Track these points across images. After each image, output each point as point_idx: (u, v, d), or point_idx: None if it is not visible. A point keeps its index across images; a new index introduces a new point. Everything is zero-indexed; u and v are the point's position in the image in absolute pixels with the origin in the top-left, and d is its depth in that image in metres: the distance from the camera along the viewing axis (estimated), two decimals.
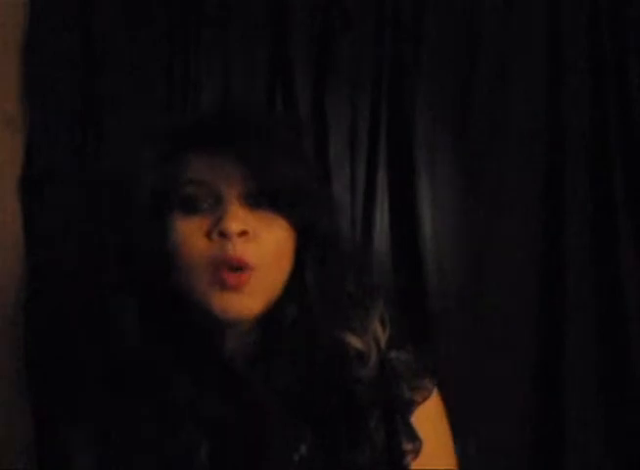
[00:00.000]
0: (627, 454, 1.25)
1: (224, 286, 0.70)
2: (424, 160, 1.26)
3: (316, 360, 0.76)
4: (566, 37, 1.27)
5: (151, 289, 0.76)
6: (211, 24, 1.24)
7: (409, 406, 0.80)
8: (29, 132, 1.22)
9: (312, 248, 0.77)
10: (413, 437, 0.78)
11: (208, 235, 0.72)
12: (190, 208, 0.73)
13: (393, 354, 0.81)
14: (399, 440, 0.78)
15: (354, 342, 0.78)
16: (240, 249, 0.70)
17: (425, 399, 0.81)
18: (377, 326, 0.80)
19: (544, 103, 1.28)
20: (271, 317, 0.76)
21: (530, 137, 1.28)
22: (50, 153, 1.22)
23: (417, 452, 0.78)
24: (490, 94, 1.28)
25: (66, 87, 1.22)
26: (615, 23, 1.26)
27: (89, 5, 1.21)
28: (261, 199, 0.73)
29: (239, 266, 0.71)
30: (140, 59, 1.23)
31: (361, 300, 0.81)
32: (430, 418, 0.81)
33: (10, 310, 1.20)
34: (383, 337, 0.80)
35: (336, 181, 1.23)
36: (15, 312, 1.20)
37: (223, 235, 0.70)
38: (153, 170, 0.75)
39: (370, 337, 0.79)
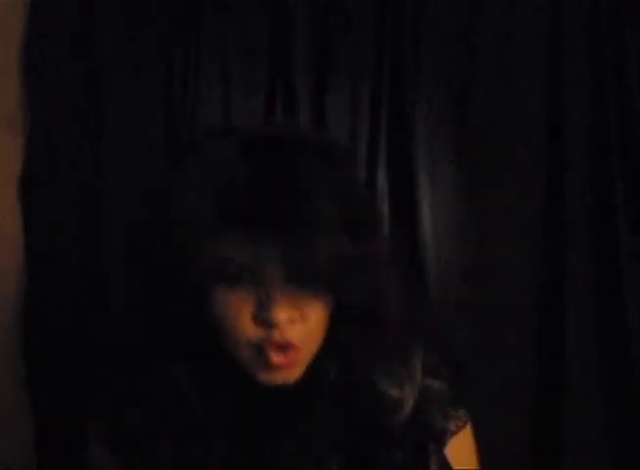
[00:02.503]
0: (628, 454, 1.25)
1: (269, 366, 0.69)
2: (424, 159, 1.26)
3: (356, 411, 0.75)
4: (566, 37, 1.27)
5: (196, 347, 0.74)
6: (211, 24, 1.24)
7: (443, 436, 0.78)
8: (29, 132, 1.22)
9: (351, 320, 0.74)
10: (446, 467, 0.77)
11: (255, 318, 0.68)
12: (233, 282, 0.69)
13: (428, 382, 0.80)
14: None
15: (393, 392, 0.76)
16: (286, 333, 0.68)
17: (459, 429, 0.80)
18: (418, 372, 0.79)
19: (544, 102, 1.28)
20: (312, 373, 0.74)
21: (531, 136, 1.28)
22: (50, 153, 1.22)
23: None
24: (490, 94, 1.28)
25: (66, 87, 1.22)
26: (614, 23, 1.26)
27: (89, 5, 1.22)
28: (304, 280, 0.69)
29: (285, 348, 0.69)
30: (140, 59, 1.23)
31: (402, 348, 0.79)
32: (464, 450, 0.80)
33: (9, 310, 1.20)
34: (420, 385, 0.79)
35: None
36: (14, 312, 1.20)
37: (271, 325, 0.68)
38: (200, 246, 0.69)
39: (410, 383, 0.78)
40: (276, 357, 0.68)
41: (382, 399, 0.76)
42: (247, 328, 0.68)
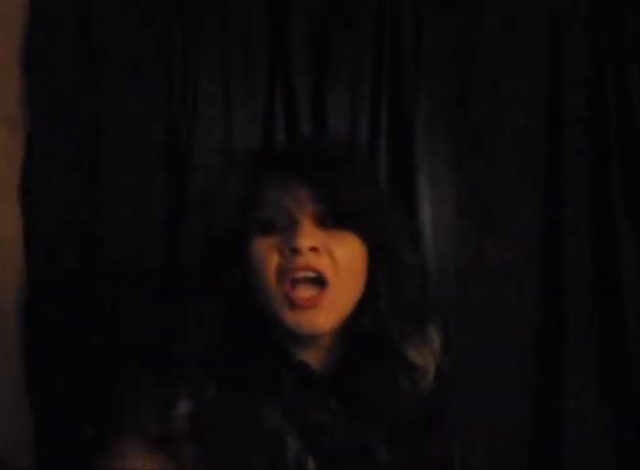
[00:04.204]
0: (629, 454, 1.25)
1: (296, 306, 0.74)
2: (424, 159, 1.26)
3: (390, 372, 0.80)
4: (566, 37, 1.27)
5: (232, 305, 0.79)
6: (211, 24, 1.24)
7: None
8: (29, 132, 1.22)
9: (383, 263, 0.80)
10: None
11: (281, 252, 0.76)
12: (266, 229, 0.78)
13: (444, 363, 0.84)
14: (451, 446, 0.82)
15: (415, 357, 0.81)
16: (311, 260, 0.75)
17: None
18: (435, 341, 0.83)
19: (544, 102, 1.28)
20: (349, 330, 0.80)
21: (530, 135, 1.28)
22: (50, 153, 1.22)
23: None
24: (490, 94, 1.28)
25: (66, 87, 1.22)
26: (614, 24, 1.26)
27: (89, 5, 1.21)
28: (331, 218, 0.78)
29: (310, 278, 0.75)
30: (140, 59, 1.23)
31: (421, 314, 0.84)
32: None
33: (9, 311, 1.20)
34: (439, 351, 0.83)
35: None
36: (14, 313, 1.20)
37: (294, 251, 0.74)
38: (237, 195, 0.81)
39: (429, 351, 0.82)
40: (302, 292, 0.74)
41: (407, 360, 0.81)
42: (274, 261, 0.76)
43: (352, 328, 0.79)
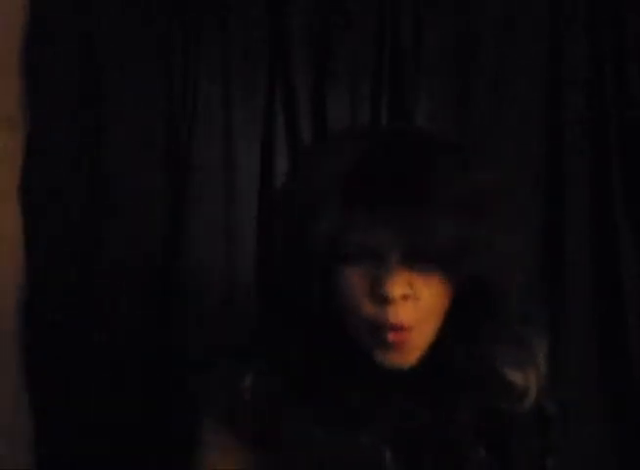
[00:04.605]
0: (629, 454, 1.25)
1: (386, 345, 0.72)
2: None
3: (481, 397, 0.77)
4: (566, 37, 1.27)
5: (315, 325, 0.77)
6: (211, 24, 1.24)
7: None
8: (29, 132, 1.22)
9: (476, 299, 0.75)
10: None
11: (371, 294, 0.71)
12: (354, 261, 0.72)
13: (550, 404, 0.82)
14: None
15: (515, 377, 0.78)
16: (401, 313, 0.70)
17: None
18: (541, 362, 0.81)
19: (544, 102, 1.28)
20: (436, 362, 0.76)
21: (530, 135, 1.28)
22: (50, 153, 1.22)
23: None
24: (490, 94, 1.27)
25: (66, 87, 1.22)
26: (614, 24, 1.26)
27: (89, 5, 1.21)
28: (422, 258, 0.71)
29: (399, 328, 0.71)
30: (140, 59, 1.23)
31: (526, 336, 0.81)
32: None
33: (9, 311, 1.20)
34: (544, 374, 0.81)
35: None
36: (14, 313, 1.20)
37: (386, 300, 0.70)
38: (328, 220, 0.72)
39: (533, 372, 0.79)
40: (391, 336, 0.71)
41: (507, 385, 0.78)
42: (363, 304, 0.71)
43: (438, 360, 0.76)
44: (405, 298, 0.70)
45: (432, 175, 0.71)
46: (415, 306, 0.71)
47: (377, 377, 0.75)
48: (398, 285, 0.69)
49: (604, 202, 1.26)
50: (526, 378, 0.78)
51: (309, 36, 1.26)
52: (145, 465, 1.17)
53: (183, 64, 1.23)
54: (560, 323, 1.25)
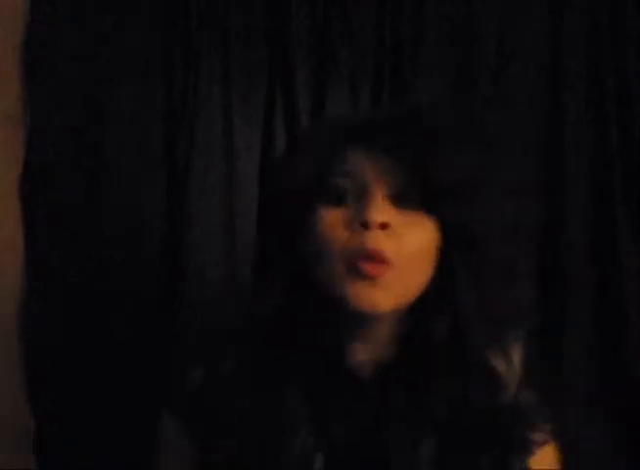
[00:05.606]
0: (629, 455, 1.25)
1: (359, 275, 0.68)
2: None
3: (459, 382, 0.73)
4: (566, 37, 1.27)
5: (291, 279, 0.74)
6: (211, 24, 1.24)
7: (528, 448, 0.75)
8: (29, 132, 1.22)
9: (462, 252, 0.73)
10: None
11: (350, 226, 0.70)
12: (337, 200, 0.72)
13: (523, 394, 0.77)
14: None
15: (498, 364, 0.74)
16: (380, 241, 0.68)
17: (544, 443, 0.75)
18: (517, 351, 0.77)
19: (545, 102, 1.28)
20: (412, 334, 0.74)
21: (531, 136, 1.28)
22: (50, 152, 1.22)
23: None
24: (490, 94, 1.27)
25: (66, 87, 1.22)
26: (614, 24, 1.26)
27: (89, 5, 1.21)
28: (410, 198, 0.71)
29: (376, 258, 0.68)
30: (140, 59, 1.23)
31: (506, 319, 0.76)
32: (546, 465, 0.77)
33: (9, 311, 1.20)
34: (519, 365, 0.76)
35: None
36: (14, 312, 1.20)
37: (364, 226, 0.68)
38: (311, 161, 0.74)
39: (509, 361, 0.75)
40: (366, 266, 0.68)
41: (490, 372, 0.74)
42: (341, 236, 0.70)
43: (415, 332, 0.73)
44: (385, 227, 0.69)
45: (422, 124, 0.74)
46: (397, 242, 0.69)
47: (344, 376, 0.73)
48: (378, 212, 0.68)
49: (604, 202, 1.26)
50: (507, 368, 0.75)
51: (309, 36, 1.26)
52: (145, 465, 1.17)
53: (183, 64, 1.23)
54: (560, 323, 1.25)
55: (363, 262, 0.68)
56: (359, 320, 0.73)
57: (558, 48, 1.27)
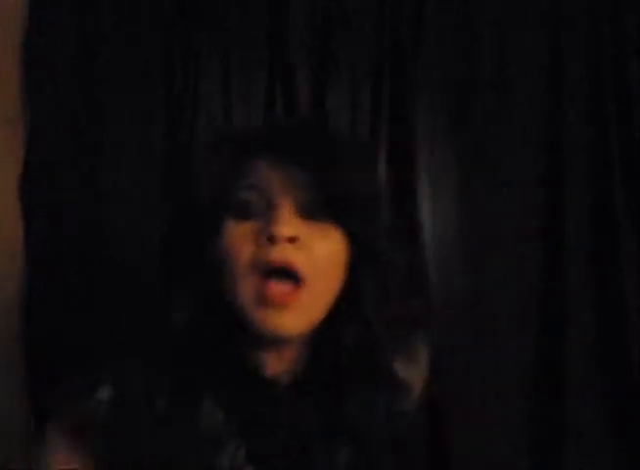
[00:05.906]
0: (629, 454, 1.25)
1: (266, 298, 0.67)
2: (424, 158, 1.26)
3: (371, 387, 0.73)
4: (566, 37, 1.27)
5: (200, 294, 0.73)
6: (211, 24, 1.24)
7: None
8: (29, 132, 1.22)
9: (369, 264, 0.73)
10: None
11: (257, 240, 0.68)
12: (243, 214, 0.71)
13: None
14: None
15: (402, 372, 0.75)
16: (288, 254, 0.67)
17: None
18: (423, 356, 0.77)
19: (545, 102, 1.28)
20: (324, 340, 0.73)
21: (531, 137, 1.28)
22: (50, 152, 1.22)
23: None
24: (491, 94, 1.27)
25: (66, 87, 1.22)
26: (614, 24, 1.26)
27: (89, 6, 1.21)
28: (316, 209, 0.70)
29: (285, 271, 0.67)
30: (139, 60, 1.23)
31: (407, 324, 0.77)
32: None
33: (9, 310, 1.20)
34: (426, 368, 0.77)
35: None
36: (14, 312, 1.20)
37: (270, 240, 0.67)
38: (215, 175, 0.73)
39: (416, 367, 0.76)
40: (275, 286, 0.67)
41: (393, 375, 0.74)
42: (247, 250, 0.68)
43: (327, 339, 0.73)
44: (293, 240, 0.67)
45: (326, 138, 0.76)
46: (307, 254, 0.68)
47: (261, 389, 0.71)
48: (285, 225, 0.67)
49: (604, 202, 1.26)
50: (411, 375, 0.75)
51: (309, 36, 1.26)
52: None
53: (183, 63, 1.23)
54: (560, 323, 1.25)
55: (272, 283, 0.67)
56: (270, 339, 0.71)
57: (558, 48, 1.27)
